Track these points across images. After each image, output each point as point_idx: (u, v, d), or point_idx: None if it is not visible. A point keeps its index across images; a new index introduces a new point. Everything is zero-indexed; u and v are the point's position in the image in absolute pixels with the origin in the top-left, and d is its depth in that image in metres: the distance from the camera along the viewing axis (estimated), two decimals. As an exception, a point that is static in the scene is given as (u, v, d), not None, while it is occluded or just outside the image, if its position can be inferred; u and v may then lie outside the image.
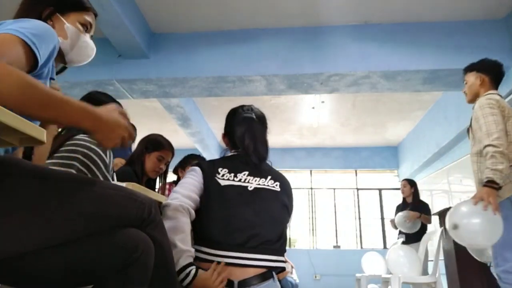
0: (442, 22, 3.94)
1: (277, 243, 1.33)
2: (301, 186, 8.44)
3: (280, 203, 1.41)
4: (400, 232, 4.57)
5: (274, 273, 1.33)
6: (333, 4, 3.76)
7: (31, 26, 0.92)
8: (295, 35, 4.09)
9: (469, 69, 2.42)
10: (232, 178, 1.39)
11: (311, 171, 8.52)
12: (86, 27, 1.21)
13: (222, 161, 1.46)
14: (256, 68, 4.02)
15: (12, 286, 0.90)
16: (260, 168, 1.46)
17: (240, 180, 1.39)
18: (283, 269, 1.35)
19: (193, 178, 1.40)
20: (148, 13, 3.94)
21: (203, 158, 2.77)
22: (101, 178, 1.43)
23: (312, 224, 8.21)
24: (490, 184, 2.00)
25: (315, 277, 7.49)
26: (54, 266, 0.85)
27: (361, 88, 4.23)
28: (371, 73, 3.93)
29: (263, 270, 1.29)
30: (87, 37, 1.22)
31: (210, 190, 1.36)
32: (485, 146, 2.08)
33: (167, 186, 2.84)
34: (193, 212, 1.34)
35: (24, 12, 1.10)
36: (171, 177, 2.98)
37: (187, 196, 1.34)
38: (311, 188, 8.48)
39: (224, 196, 1.35)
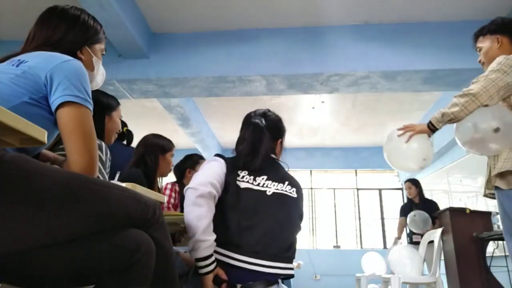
0: (442, 22, 3.94)
1: (288, 251, 1.33)
2: (301, 186, 8.43)
3: (297, 211, 1.42)
4: (413, 233, 4.55)
5: (279, 279, 1.33)
6: (333, 4, 3.75)
7: (86, 84, 1.03)
8: (295, 35, 4.09)
9: (481, 33, 1.97)
10: (251, 182, 1.38)
11: (311, 171, 8.52)
12: (102, 54, 1.28)
13: (240, 163, 1.44)
14: (256, 68, 4.02)
15: (14, 285, 0.90)
16: (278, 173, 1.45)
17: (258, 184, 1.38)
18: (291, 275, 1.34)
19: (218, 167, 1.38)
20: (148, 13, 3.94)
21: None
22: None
23: (312, 224, 8.21)
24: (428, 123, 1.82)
25: (315, 277, 7.48)
26: (55, 265, 0.85)
27: (361, 88, 4.23)
28: (371, 73, 3.93)
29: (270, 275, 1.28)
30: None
31: (229, 190, 1.35)
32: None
33: (169, 186, 2.83)
34: (216, 200, 1.34)
35: (59, 43, 1.13)
36: (170, 177, 2.97)
37: (211, 183, 1.31)
38: (311, 188, 8.48)
39: (243, 200, 1.34)
